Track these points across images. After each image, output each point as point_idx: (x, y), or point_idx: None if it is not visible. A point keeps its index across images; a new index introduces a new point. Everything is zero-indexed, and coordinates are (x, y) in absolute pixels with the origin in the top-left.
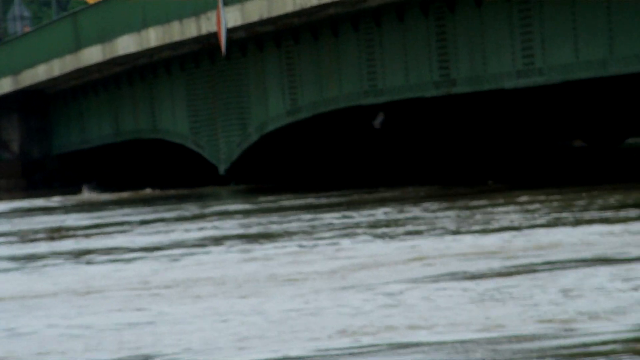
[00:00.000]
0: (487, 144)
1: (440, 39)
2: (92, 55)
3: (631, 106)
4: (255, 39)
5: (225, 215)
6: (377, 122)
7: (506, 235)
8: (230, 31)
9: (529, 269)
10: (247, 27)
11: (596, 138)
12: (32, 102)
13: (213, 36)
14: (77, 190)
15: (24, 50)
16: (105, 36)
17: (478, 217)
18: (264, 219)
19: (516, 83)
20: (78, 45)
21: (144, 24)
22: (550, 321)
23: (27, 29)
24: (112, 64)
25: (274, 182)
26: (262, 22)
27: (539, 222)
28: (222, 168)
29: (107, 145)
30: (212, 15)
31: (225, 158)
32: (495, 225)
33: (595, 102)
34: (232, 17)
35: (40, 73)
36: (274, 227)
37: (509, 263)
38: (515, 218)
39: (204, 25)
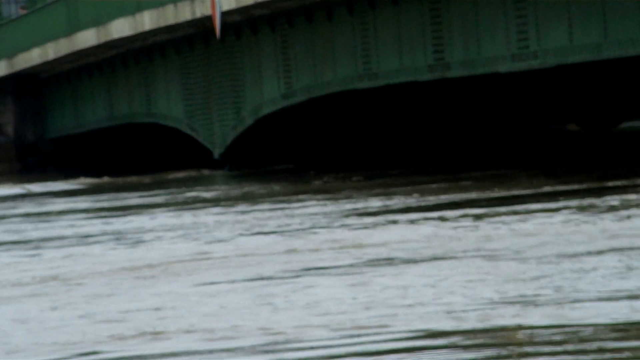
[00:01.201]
0: (481, 128)
1: (435, 23)
2: (87, 38)
3: (625, 90)
4: (249, 23)
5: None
6: None
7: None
8: (224, 14)
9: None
10: (242, 11)
11: (590, 122)
12: (26, 85)
13: (207, 19)
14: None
15: (18, 33)
16: (99, 20)
17: (255, 220)
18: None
19: (511, 67)
20: (72, 29)
21: (139, 7)
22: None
23: (23, 11)
24: (106, 48)
25: (268, 166)
26: (257, 5)
27: (297, 226)
28: (216, 152)
29: (102, 129)
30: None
31: (220, 142)
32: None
33: (590, 86)
34: (227, 0)
35: (34, 56)
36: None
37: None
38: (284, 222)
39: (199, 8)
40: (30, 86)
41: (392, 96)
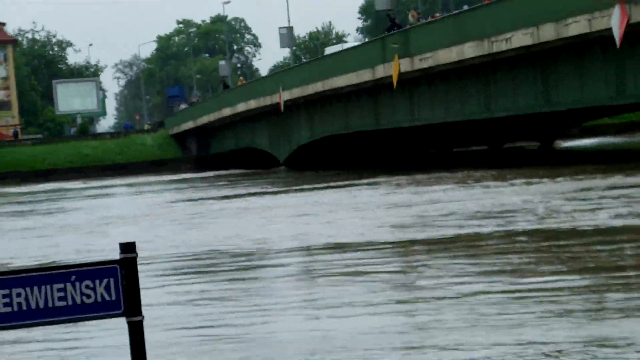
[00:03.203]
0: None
1: (376, 106)
2: (226, 112)
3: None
4: (295, 104)
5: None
6: None
7: None
8: (285, 101)
9: None
10: (293, 100)
11: (443, 148)
12: (201, 131)
13: (277, 103)
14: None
15: (199, 109)
16: (230, 103)
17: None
18: None
19: (409, 123)
20: (221, 106)
21: (249, 98)
22: None
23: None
24: (233, 116)
25: (304, 168)
26: (299, 98)
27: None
28: (281, 160)
29: (231, 151)
30: (277, 94)
31: (282, 156)
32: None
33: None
34: (286, 95)
35: (204, 119)
36: None
37: None
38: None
39: (274, 99)
40: (203, 131)
41: (361, 136)
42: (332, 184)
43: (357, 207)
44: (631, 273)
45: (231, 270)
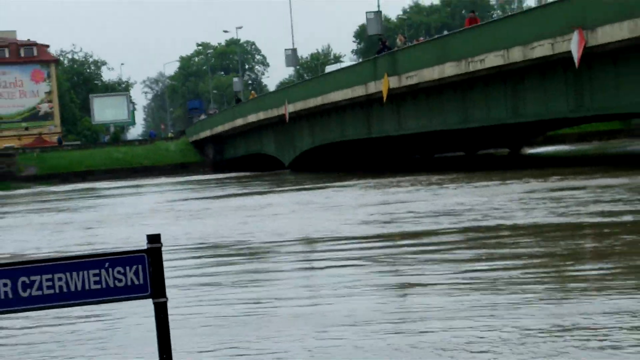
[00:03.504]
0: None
1: (369, 117)
2: (238, 122)
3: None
4: (298, 116)
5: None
6: None
7: None
8: (290, 113)
9: None
10: (296, 112)
11: (426, 154)
12: (216, 139)
13: (283, 115)
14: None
15: (215, 120)
16: (242, 114)
17: None
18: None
19: (396, 132)
20: (235, 117)
21: (258, 110)
22: None
23: (212, 112)
24: (244, 126)
25: (306, 170)
26: (302, 110)
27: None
28: (286, 164)
29: (242, 156)
30: (283, 107)
31: (287, 160)
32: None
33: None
34: (290, 108)
35: (227, 127)
36: None
37: None
38: None
39: (280, 111)
40: (218, 139)
41: (355, 143)
42: (320, 185)
43: (333, 206)
44: (561, 262)
45: (219, 258)
